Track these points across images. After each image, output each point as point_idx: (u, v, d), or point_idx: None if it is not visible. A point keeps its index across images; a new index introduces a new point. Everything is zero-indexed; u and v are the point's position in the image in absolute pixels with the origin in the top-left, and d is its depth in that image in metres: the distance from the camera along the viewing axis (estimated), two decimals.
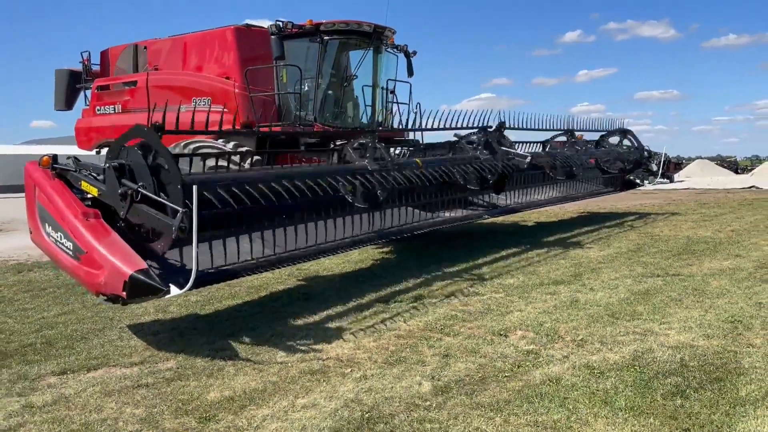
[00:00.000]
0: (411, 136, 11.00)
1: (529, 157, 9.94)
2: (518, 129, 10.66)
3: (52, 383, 4.57)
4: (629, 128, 14.17)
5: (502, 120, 10.11)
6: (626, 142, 13.93)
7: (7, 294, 7.65)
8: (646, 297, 6.49)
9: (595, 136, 13.76)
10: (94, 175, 5.54)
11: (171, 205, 5.04)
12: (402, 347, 5.12)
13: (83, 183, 5.51)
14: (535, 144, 11.69)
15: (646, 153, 14.03)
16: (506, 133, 10.29)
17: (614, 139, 14.02)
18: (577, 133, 12.77)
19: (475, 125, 9.73)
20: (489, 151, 9.65)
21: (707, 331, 5.30)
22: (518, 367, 4.60)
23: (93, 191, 5.45)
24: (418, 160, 8.40)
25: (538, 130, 11.38)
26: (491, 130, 9.87)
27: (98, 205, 5.48)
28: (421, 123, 9.15)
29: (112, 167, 5.32)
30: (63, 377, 4.69)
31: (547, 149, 11.90)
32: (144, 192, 5.14)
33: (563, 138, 12.52)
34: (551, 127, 11.87)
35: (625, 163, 13.50)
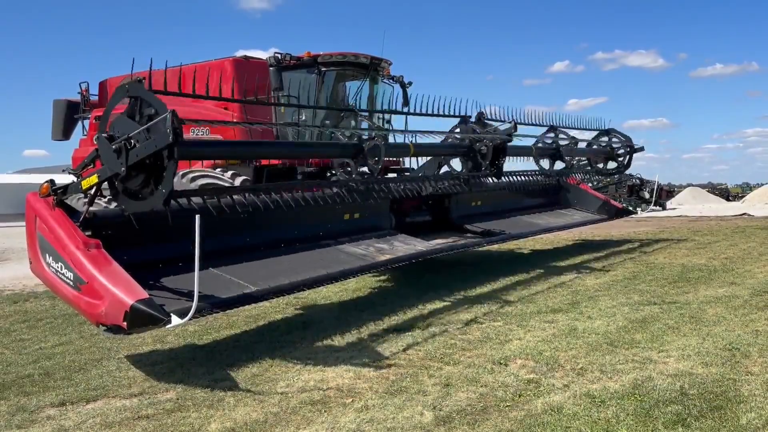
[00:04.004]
0: (395, 123, 10.99)
1: (513, 122, 9.90)
2: (499, 121, 10.53)
3: (51, 415, 4.55)
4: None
5: (481, 110, 10.02)
6: (614, 140, 13.88)
7: (4, 325, 7.61)
8: (643, 325, 6.52)
9: (581, 134, 13.64)
10: (90, 167, 5.66)
11: (159, 117, 5.09)
12: (402, 377, 5.11)
13: (83, 182, 5.55)
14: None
15: (636, 148, 13.98)
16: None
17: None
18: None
19: (456, 113, 9.65)
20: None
21: (705, 358, 5.33)
22: (519, 396, 4.61)
23: (93, 179, 5.50)
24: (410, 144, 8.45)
25: (520, 124, 11.21)
26: (472, 121, 9.81)
27: (100, 231, 5.52)
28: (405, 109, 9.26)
29: (102, 137, 5.40)
30: (62, 408, 4.66)
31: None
32: (134, 134, 5.18)
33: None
34: (535, 122, 11.73)
35: (616, 159, 13.55)
